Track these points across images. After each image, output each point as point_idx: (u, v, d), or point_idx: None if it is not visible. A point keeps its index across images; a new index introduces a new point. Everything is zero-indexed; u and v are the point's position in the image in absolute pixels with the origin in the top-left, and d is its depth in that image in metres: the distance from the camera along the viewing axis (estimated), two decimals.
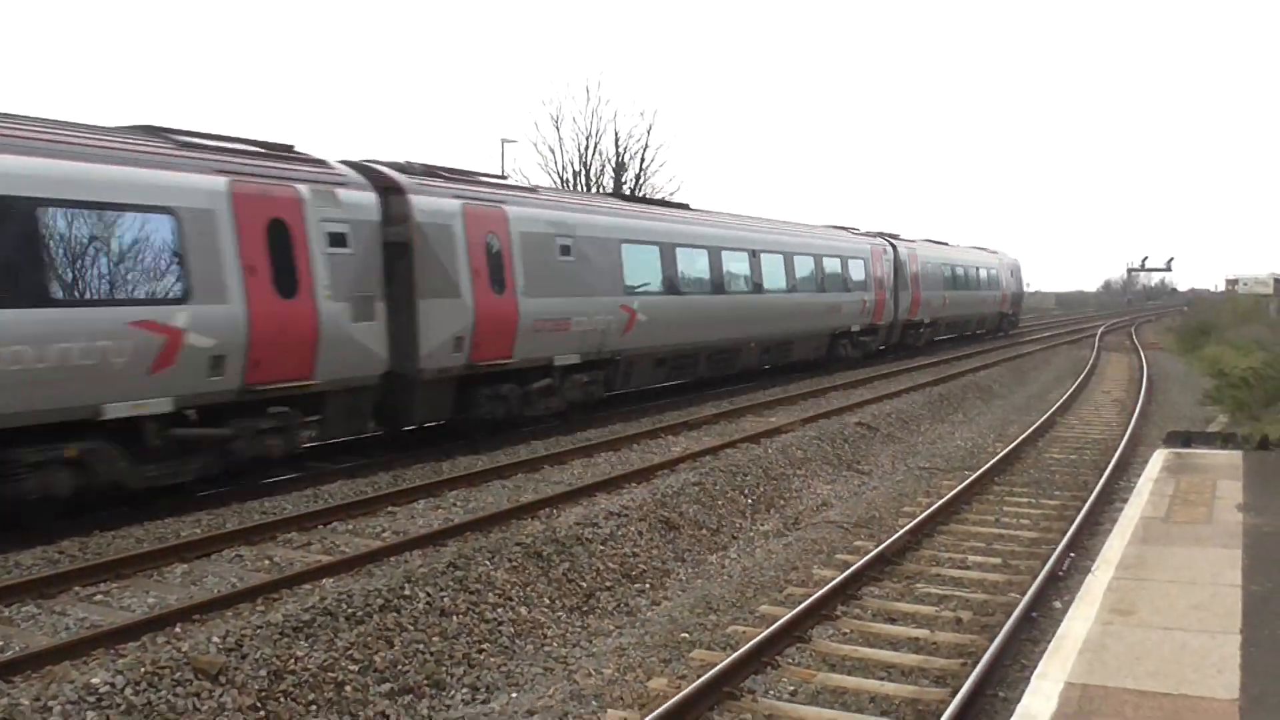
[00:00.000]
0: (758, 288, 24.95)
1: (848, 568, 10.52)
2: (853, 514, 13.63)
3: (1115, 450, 17.26)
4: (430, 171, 16.16)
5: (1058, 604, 9.30)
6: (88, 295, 10.84)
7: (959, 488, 14.23)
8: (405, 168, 15.78)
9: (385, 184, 14.93)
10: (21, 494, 10.45)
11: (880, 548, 11.04)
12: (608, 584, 10.45)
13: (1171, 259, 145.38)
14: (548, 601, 9.75)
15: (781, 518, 13.66)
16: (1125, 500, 10.19)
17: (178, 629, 7.98)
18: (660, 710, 6.89)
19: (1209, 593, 6.63)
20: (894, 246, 34.62)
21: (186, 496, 12.53)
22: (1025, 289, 56.76)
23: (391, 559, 10.03)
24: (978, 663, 7.80)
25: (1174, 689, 5.09)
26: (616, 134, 44.73)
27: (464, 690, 7.99)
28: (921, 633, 8.87)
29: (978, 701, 7.25)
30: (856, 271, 30.98)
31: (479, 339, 15.99)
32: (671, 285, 21.31)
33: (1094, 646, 5.73)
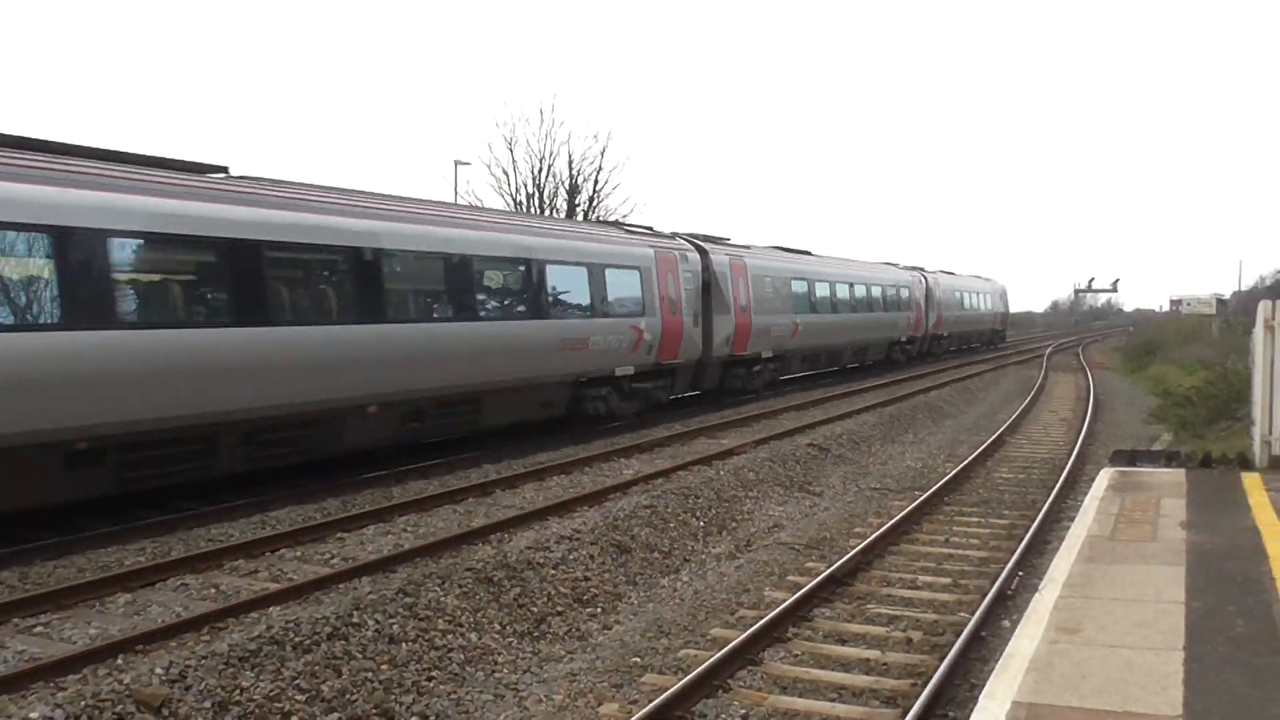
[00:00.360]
0: (854, 308, 35.50)
1: (799, 589, 10.54)
2: (804, 535, 13.68)
3: (1063, 469, 17.47)
4: (714, 240, 27.39)
5: (1006, 623, 9.38)
6: (619, 312, 21.03)
7: (909, 508, 14.32)
8: (706, 237, 26.96)
9: (699, 247, 25.43)
10: (590, 411, 20.70)
11: (831, 569, 11.08)
12: (559, 609, 10.39)
13: (1117, 280, 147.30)
14: (498, 627, 9.68)
15: (733, 539, 13.67)
16: (1072, 519, 10.30)
17: (120, 660, 7.83)
18: None
19: (1153, 610, 6.71)
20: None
21: (133, 521, 12.33)
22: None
23: (340, 586, 9.91)
24: (928, 683, 7.85)
25: (1119, 706, 5.13)
26: (570, 156, 44.80)
27: (414, 719, 7.90)
28: (872, 653, 8.90)
29: None
30: (906, 295, 41.15)
31: (737, 340, 26.41)
32: (813, 307, 31.96)
33: (1041, 665, 5.77)
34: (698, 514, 14.17)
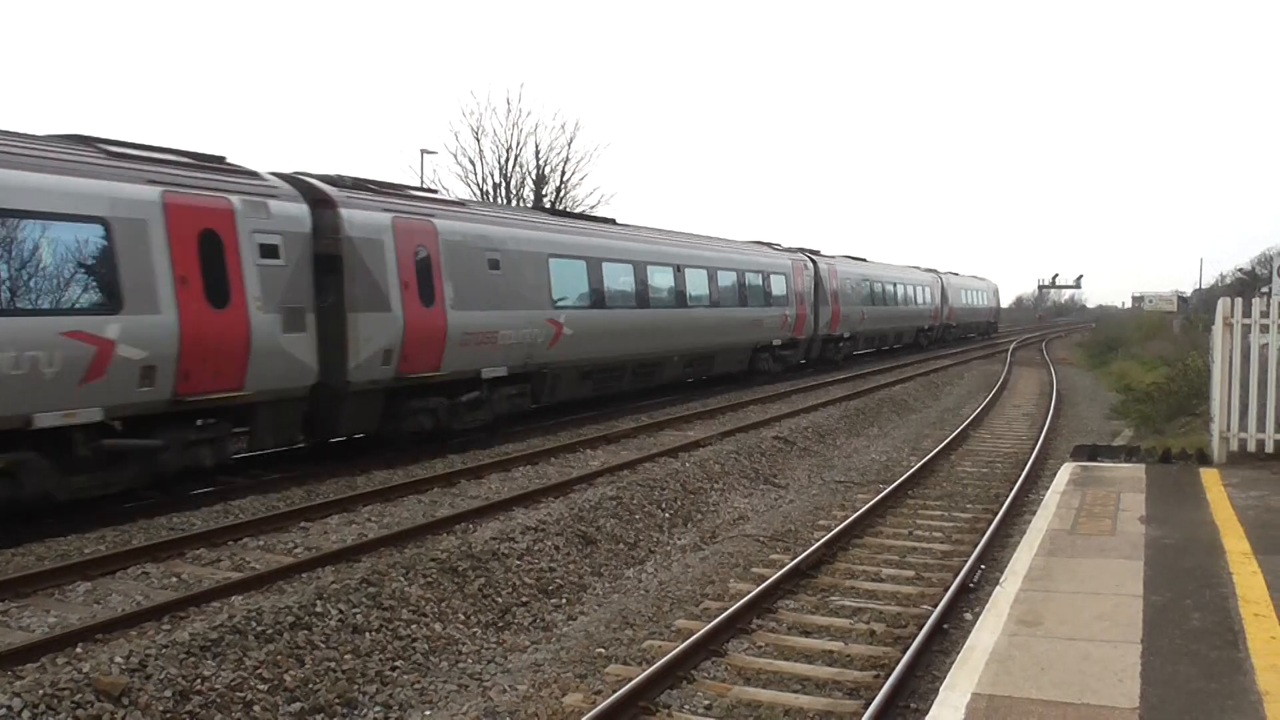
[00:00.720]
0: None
1: (763, 581, 10.59)
2: (769, 527, 13.74)
3: (1025, 463, 17.64)
4: (815, 252, 35.12)
5: (969, 615, 9.46)
6: (776, 302, 29.77)
7: (873, 501, 14.42)
8: (811, 251, 35.01)
9: (811, 257, 35.03)
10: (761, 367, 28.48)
11: (796, 561, 11.14)
12: (524, 599, 10.41)
13: (1081, 276, 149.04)
14: (463, 617, 9.68)
15: (699, 531, 13.72)
16: (1034, 512, 10.39)
17: (79, 649, 7.76)
18: None
19: (1112, 603, 6.79)
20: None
21: (95, 511, 12.21)
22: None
23: (303, 575, 9.87)
24: (890, 675, 7.91)
25: (1077, 698, 5.19)
26: (537, 146, 44.70)
27: (376, 709, 7.89)
28: (836, 645, 8.96)
29: (890, 713, 7.35)
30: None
31: (832, 323, 34.82)
32: (873, 301, 29.02)
33: (1001, 657, 5.83)
34: (663, 505, 14.21)
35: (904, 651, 8.48)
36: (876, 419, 24.67)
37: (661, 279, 24.73)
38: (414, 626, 9.19)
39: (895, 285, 46.30)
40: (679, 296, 25.44)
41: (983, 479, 17.16)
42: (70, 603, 9.07)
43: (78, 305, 11.48)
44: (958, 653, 6.10)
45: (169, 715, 7.06)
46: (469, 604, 9.91)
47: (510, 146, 43.63)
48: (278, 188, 14.57)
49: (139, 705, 7.02)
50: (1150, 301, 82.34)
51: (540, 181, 44.26)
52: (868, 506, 14.02)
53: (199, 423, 13.09)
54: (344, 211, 15.30)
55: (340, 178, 16.21)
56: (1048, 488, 11.67)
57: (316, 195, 15.18)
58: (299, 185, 15.14)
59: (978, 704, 5.15)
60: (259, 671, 7.81)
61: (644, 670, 8.06)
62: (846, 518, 13.67)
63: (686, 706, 7.70)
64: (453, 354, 17.21)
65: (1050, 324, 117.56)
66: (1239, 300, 12.45)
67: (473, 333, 17.67)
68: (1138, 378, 31.23)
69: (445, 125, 64.75)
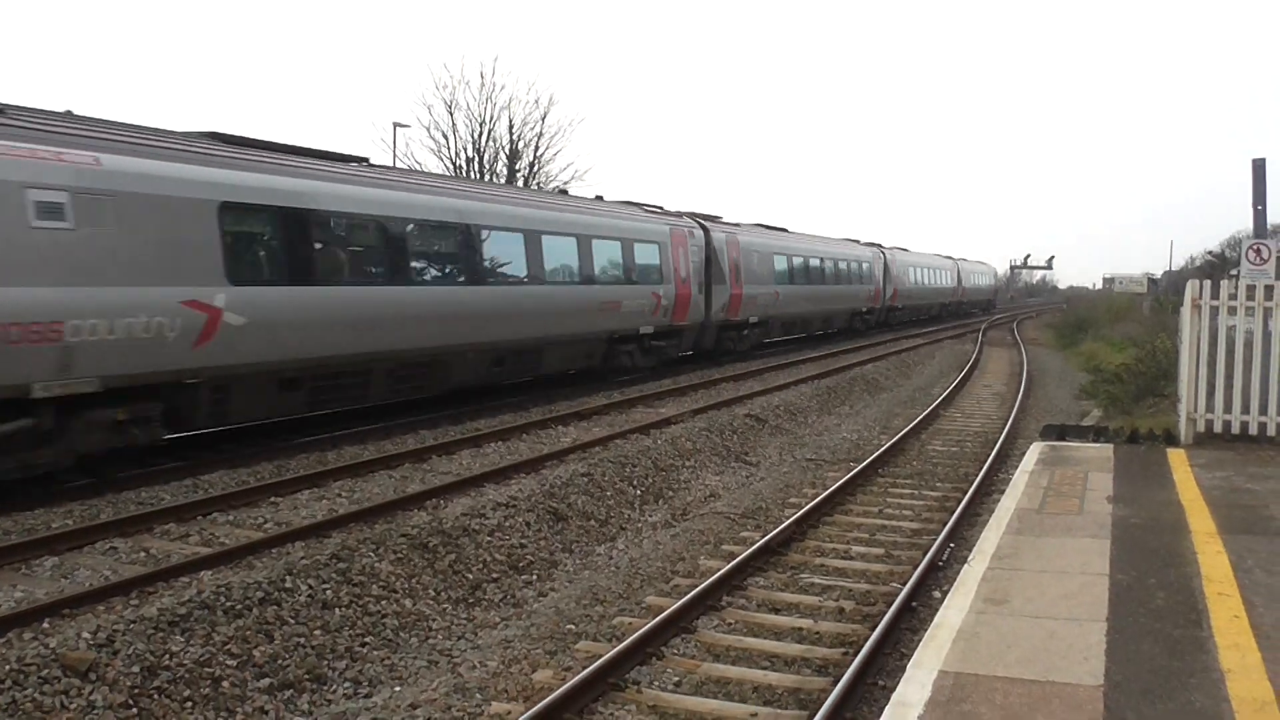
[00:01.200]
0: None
1: (734, 558, 10.64)
2: (740, 505, 13.80)
3: (995, 443, 17.76)
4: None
5: (937, 593, 9.54)
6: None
7: (844, 479, 14.50)
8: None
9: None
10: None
11: (766, 538, 11.20)
12: (494, 575, 10.42)
13: (1053, 257, 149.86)
14: (433, 593, 9.68)
15: (670, 508, 13.77)
16: (1003, 491, 10.50)
17: (45, 624, 7.72)
18: (544, 703, 6.90)
19: (1078, 582, 6.86)
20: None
21: (57, 485, 12.12)
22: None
23: (273, 551, 9.84)
24: (859, 652, 7.97)
25: (1042, 675, 5.26)
26: (511, 121, 44.71)
27: (346, 684, 7.90)
28: (805, 623, 9.02)
29: (858, 690, 7.40)
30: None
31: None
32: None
33: (968, 635, 5.89)
34: (635, 483, 14.24)
35: (872, 629, 8.55)
36: (848, 398, 24.79)
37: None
38: (384, 602, 9.19)
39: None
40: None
41: (952, 458, 17.28)
42: (37, 577, 9.01)
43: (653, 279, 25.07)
44: (926, 631, 6.15)
45: (136, 691, 7.03)
46: (439, 580, 9.92)
47: (483, 120, 43.62)
48: (691, 223, 28.01)
49: (106, 680, 6.99)
50: (1120, 283, 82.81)
51: (514, 156, 44.29)
52: (838, 485, 14.09)
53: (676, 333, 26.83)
54: (713, 233, 28.82)
55: (706, 215, 30.04)
56: (1017, 467, 11.79)
57: (702, 223, 28.70)
58: (695, 218, 28.82)
59: (944, 681, 5.20)
60: (228, 647, 7.79)
61: (614, 647, 8.10)
62: (817, 495, 13.74)
63: (656, 683, 7.73)
64: (745, 309, 31.32)
65: (1022, 304, 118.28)
66: (1207, 282, 12.58)
67: (750, 298, 31.47)
68: (1107, 358, 31.47)
69: (418, 98, 64.30)
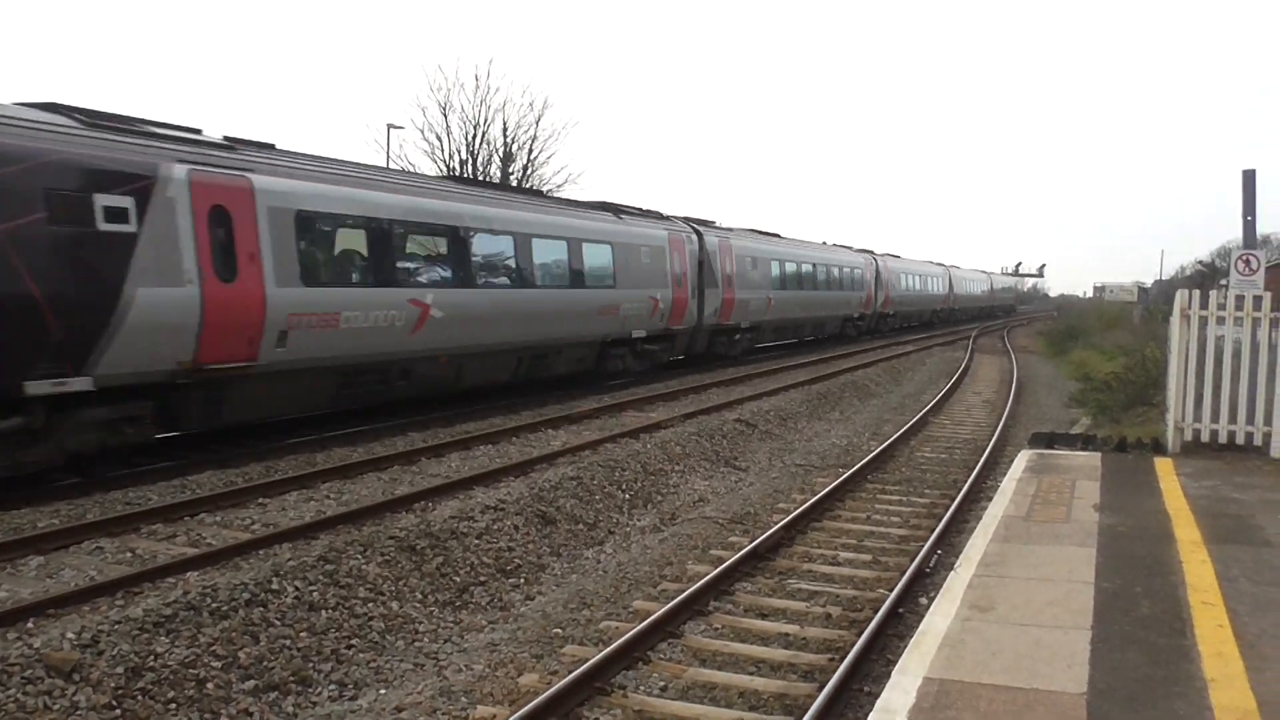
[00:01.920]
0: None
1: (721, 563, 10.64)
2: (729, 510, 13.80)
3: (984, 450, 17.78)
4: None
5: (924, 600, 9.55)
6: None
7: (833, 485, 14.51)
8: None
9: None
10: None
11: (754, 543, 11.19)
12: (482, 579, 10.41)
13: (1044, 265, 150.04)
14: (420, 596, 9.67)
15: (658, 513, 13.76)
16: (991, 499, 10.51)
17: (30, 624, 7.70)
18: (530, 706, 6.89)
19: (1064, 590, 6.88)
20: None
21: (45, 487, 12.10)
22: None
23: (260, 552, 9.81)
24: (844, 658, 7.98)
25: (1026, 683, 5.27)
26: (505, 123, 44.66)
27: (331, 687, 7.88)
28: (792, 628, 9.03)
29: (843, 696, 7.41)
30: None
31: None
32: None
33: (953, 642, 5.90)
34: (624, 486, 14.24)
35: (859, 635, 8.55)
36: (839, 403, 24.81)
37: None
38: (370, 605, 9.18)
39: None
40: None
41: (941, 465, 17.30)
42: (22, 577, 8.98)
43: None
44: (911, 637, 6.16)
45: (121, 692, 7.01)
46: (426, 583, 9.90)
47: (478, 123, 43.63)
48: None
49: (90, 681, 6.97)
50: (1111, 291, 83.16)
51: (507, 159, 44.29)
52: (827, 490, 14.10)
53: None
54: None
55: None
56: (1005, 474, 11.80)
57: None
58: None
59: (929, 688, 5.21)
60: (213, 648, 7.77)
61: (600, 651, 8.09)
62: (806, 501, 13.75)
63: (642, 687, 7.73)
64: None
65: (1013, 312, 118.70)
66: (1196, 292, 12.62)
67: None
68: (1097, 367, 31.55)
69: (413, 100, 64.57)
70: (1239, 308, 12.27)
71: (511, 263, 20.26)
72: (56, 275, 11.36)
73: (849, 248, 49.23)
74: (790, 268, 37.14)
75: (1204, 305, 12.43)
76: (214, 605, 8.24)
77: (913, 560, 10.85)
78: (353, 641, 8.59)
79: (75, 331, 11.60)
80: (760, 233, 36.65)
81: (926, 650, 5.76)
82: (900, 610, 9.31)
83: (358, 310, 15.84)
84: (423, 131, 49.74)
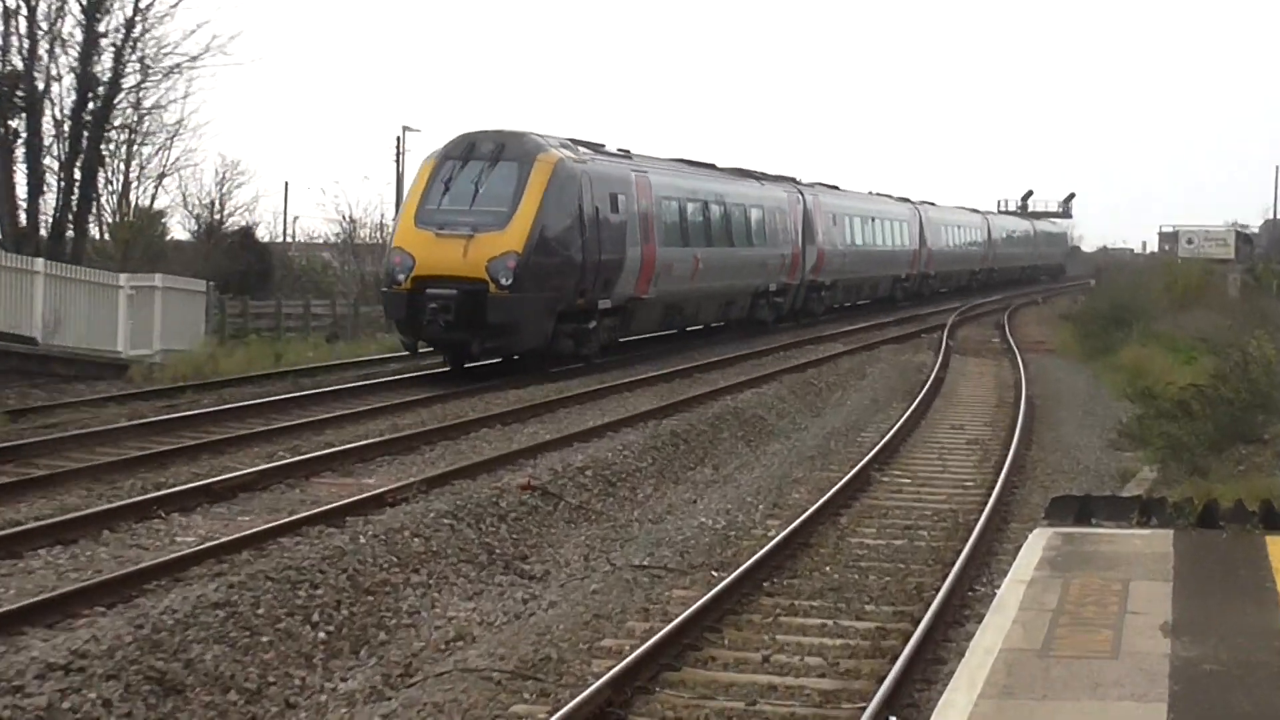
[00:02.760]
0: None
1: None
2: (511, 653, 13.72)
3: (970, 529, 18.10)
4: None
5: None
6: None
7: (701, 602, 14.53)
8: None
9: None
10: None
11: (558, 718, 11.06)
12: None
13: (1071, 197, 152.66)
14: None
15: (381, 665, 13.66)
16: (982, 618, 10.63)
17: None
18: None
19: None
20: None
21: None
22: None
23: None
24: None
25: None
26: None
27: None
28: None
29: None
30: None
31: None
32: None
33: None
34: (315, 618, 14.08)
35: None
36: (711, 450, 24.88)
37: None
38: None
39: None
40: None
41: (895, 559, 17.57)
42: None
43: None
44: None
45: None
46: None
47: None
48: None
49: None
50: (1191, 242, 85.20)
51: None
52: (690, 613, 14.11)
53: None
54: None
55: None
56: (1006, 573, 11.92)
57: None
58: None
59: None
60: None
61: None
62: (652, 634, 13.71)
63: None
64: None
65: (1061, 275, 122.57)
66: None
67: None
68: (1165, 375, 31.85)
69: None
70: None
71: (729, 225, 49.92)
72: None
73: (889, 196, 78.06)
74: (855, 223, 65.40)
75: None
76: None
77: None
78: None
79: None
80: (827, 186, 64.68)
81: None
82: None
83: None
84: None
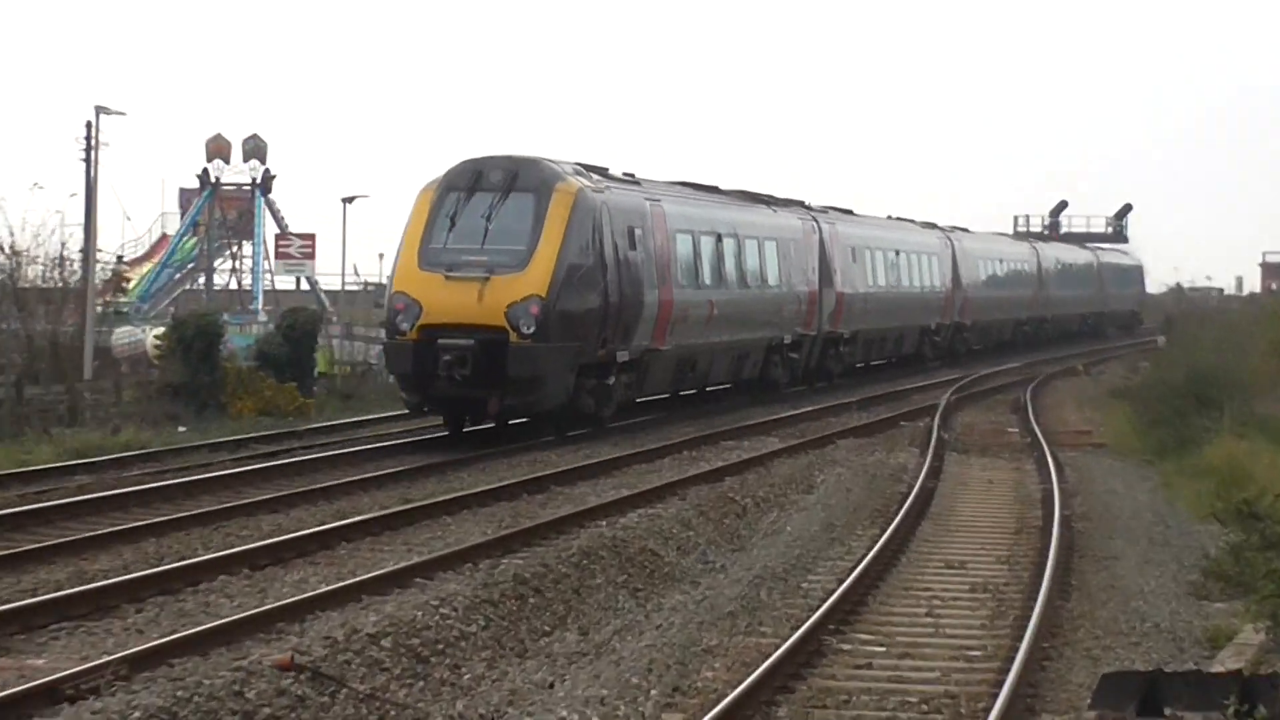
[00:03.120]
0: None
1: None
2: None
3: None
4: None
5: None
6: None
7: None
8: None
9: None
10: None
11: None
12: None
13: (1127, 209, 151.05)
14: None
15: None
16: None
17: None
18: None
19: None
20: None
21: None
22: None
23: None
24: None
25: None
26: None
27: None
28: None
29: None
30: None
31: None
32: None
33: None
34: None
35: None
36: (577, 607, 22.78)
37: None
38: None
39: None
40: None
41: None
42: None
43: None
44: None
45: None
46: None
47: None
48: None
49: None
50: None
51: None
52: None
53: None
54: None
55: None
56: None
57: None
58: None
59: None
60: None
61: None
62: None
63: None
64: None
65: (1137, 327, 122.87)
66: None
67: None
68: (1276, 483, 30.13)
69: None
70: None
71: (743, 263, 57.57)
72: None
73: (912, 222, 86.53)
74: (878, 259, 70.37)
75: None
76: None
77: None
78: None
79: None
80: (841, 210, 69.22)
81: None
82: None
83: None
84: None
